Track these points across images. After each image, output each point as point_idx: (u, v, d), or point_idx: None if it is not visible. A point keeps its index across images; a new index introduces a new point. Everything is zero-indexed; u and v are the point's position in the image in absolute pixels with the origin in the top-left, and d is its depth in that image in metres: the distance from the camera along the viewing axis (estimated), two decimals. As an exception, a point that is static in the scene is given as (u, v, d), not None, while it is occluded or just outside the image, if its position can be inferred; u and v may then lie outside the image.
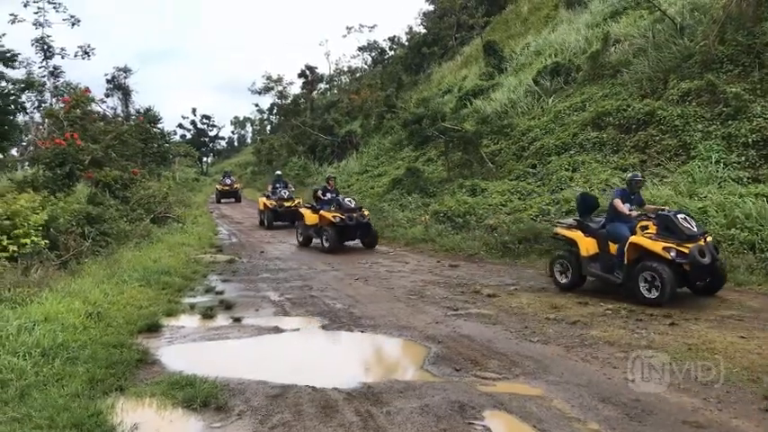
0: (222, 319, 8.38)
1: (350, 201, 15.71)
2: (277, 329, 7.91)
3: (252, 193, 36.95)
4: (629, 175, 9.95)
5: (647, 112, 15.67)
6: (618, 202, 9.16)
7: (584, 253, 9.44)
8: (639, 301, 8.33)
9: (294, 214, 20.30)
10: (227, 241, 18.04)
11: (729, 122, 13.90)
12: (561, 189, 15.28)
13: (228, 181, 36.16)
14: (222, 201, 34.99)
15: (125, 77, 40.10)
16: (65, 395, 5.05)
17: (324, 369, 6.40)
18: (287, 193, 22.03)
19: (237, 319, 8.29)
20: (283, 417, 4.89)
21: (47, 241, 10.77)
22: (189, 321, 8.31)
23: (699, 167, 13.28)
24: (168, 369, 6.13)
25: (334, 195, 16.14)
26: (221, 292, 10.08)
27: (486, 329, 7.54)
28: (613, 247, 9.06)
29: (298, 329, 8.06)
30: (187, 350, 6.98)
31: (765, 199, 11.16)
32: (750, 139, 13.21)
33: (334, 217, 15.01)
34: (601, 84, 19.12)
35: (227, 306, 9.05)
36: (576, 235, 9.70)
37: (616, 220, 9.20)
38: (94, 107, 22.50)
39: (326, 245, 15.14)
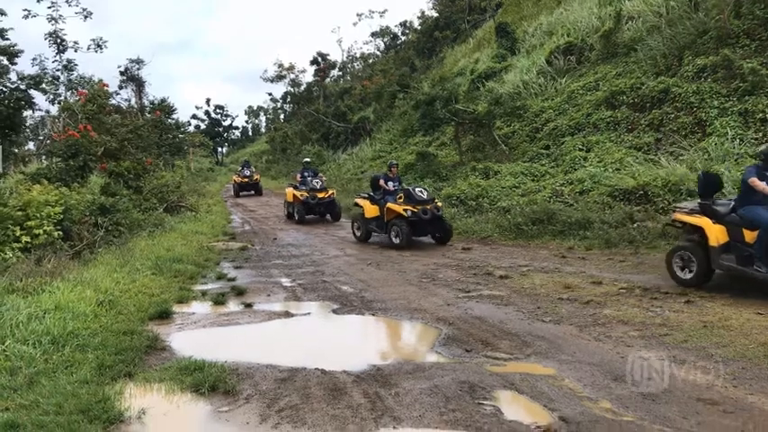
0: (233, 305, 8.36)
1: (421, 191, 13.73)
2: (288, 314, 7.89)
3: (266, 182, 36.76)
4: (764, 147, 8.33)
5: (662, 90, 15.45)
6: (755, 181, 7.41)
7: (713, 243, 7.81)
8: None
9: (328, 206, 19.32)
10: (239, 229, 18.03)
11: (746, 98, 13.67)
12: (575, 169, 15.11)
13: (247, 172, 32.15)
14: (241, 194, 31.45)
15: (138, 69, 40.05)
16: (73, 382, 5.06)
17: (333, 352, 6.35)
18: (319, 183, 19.53)
19: (248, 305, 8.27)
20: (291, 400, 4.85)
21: (60, 232, 10.83)
22: (200, 308, 8.30)
23: (715, 144, 13.07)
24: (178, 355, 6.11)
25: (398, 184, 14.41)
26: (233, 279, 10.07)
27: (497, 310, 7.46)
28: (750, 235, 7.50)
29: (308, 314, 8.03)
30: (197, 336, 6.96)
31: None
32: (767, 115, 12.96)
33: (405, 210, 13.14)
34: (614, 62, 18.87)
35: (239, 292, 9.03)
36: (703, 221, 7.98)
37: (751, 202, 7.57)
38: (110, 100, 22.68)
39: (396, 241, 13.27)
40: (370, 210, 14.29)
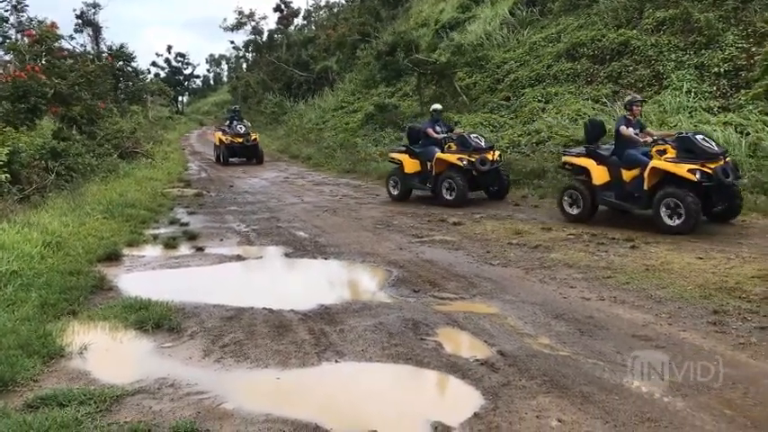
0: (185, 249, 8.30)
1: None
2: (239, 258, 7.86)
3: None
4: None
5: (622, 42, 15.50)
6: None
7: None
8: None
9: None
10: (196, 176, 17.81)
11: (702, 52, 13.80)
12: (533, 121, 15.18)
13: (241, 128, 21.58)
14: (232, 160, 21.59)
15: (94, 13, 38.68)
16: (14, 319, 4.97)
17: (283, 294, 6.37)
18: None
19: (200, 249, 8.22)
20: (235, 336, 4.87)
21: (8, 175, 10.53)
22: (150, 251, 8.22)
23: (670, 97, 13.22)
24: (124, 294, 6.05)
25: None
26: (186, 224, 9.98)
27: (448, 254, 7.55)
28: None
29: (260, 258, 8.02)
30: (145, 277, 6.91)
31: (733, 127, 11.17)
32: (722, 69, 13.13)
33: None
34: (576, 14, 18.80)
35: (191, 237, 8.95)
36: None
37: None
38: (63, 44, 21.89)
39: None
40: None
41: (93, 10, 37.78)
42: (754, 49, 12.83)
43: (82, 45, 34.29)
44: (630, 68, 14.95)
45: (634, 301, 5.49)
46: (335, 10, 56.30)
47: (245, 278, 7.29)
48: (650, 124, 12.42)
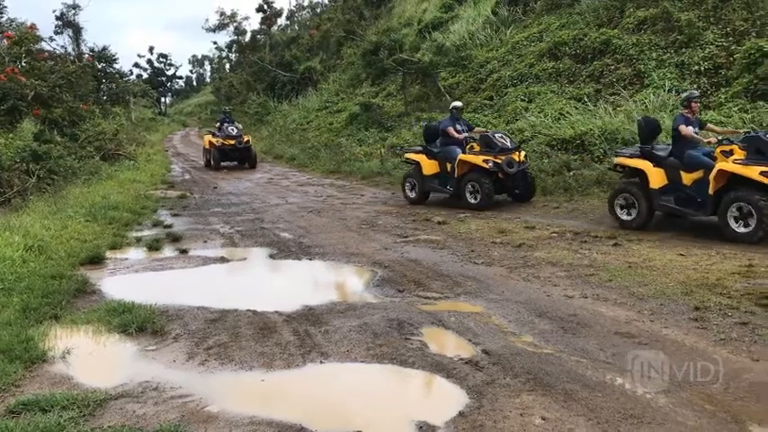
0: (168, 251, 8.26)
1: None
2: (223, 260, 7.83)
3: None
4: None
5: (603, 42, 15.61)
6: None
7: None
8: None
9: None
10: (179, 178, 17.71)
11: (683, 50, 13.93)
12: (516, 120, 15.25)
13: (233, 130, 20.06)
14: (224, 164, 20.02)
15: (75, 14, 38.28)
16: (-5, 324, 4.93)
17: (267, 295, 6.37)
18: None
19: (184, 251, 8.17)
20: (220, 338, 4.85)
21: (-14, 178, 10.44)
22: (134, 254, 8.17)
23: (652, 95, 13.34)
24: (107, 298, 6.01)
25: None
26: (169, 226, 9.93)
27: (432, 254, 7.57)
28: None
29: (245, 259, 8.00)
30: (129, 280, 6.86)
31: (714, 125, 11.27)
32: (702, 67, 13.26)
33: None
34: (558, 13, 18.91)
35: (175, 239, 8.92)
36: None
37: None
38: (44, 46, 21.68)
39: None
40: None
41: (73, 11, 37.41)
42: (733, 48, 12.98)
43: (62, 46, 33.89)
44: (612, 67, 15.06)
45: (617, 298, 5.53)
46: (318, 10, 56.20)
47: (230, 280, 7.26)
48: (632, 122, 12.57)
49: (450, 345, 4.71)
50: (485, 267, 6.82)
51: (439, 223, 9.47)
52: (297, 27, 57.09)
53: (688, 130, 7.97)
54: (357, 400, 3.95)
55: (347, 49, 32.41)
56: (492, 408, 3.55)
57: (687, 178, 8.00)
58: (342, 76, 31.51)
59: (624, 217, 8.42)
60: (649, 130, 8.79)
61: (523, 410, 3.51)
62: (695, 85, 12.61)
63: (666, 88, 13.28)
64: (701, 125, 8.37)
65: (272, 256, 7.93)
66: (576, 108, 14.47)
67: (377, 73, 22.27)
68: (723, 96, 12.31)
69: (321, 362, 4.37)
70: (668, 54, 14.17)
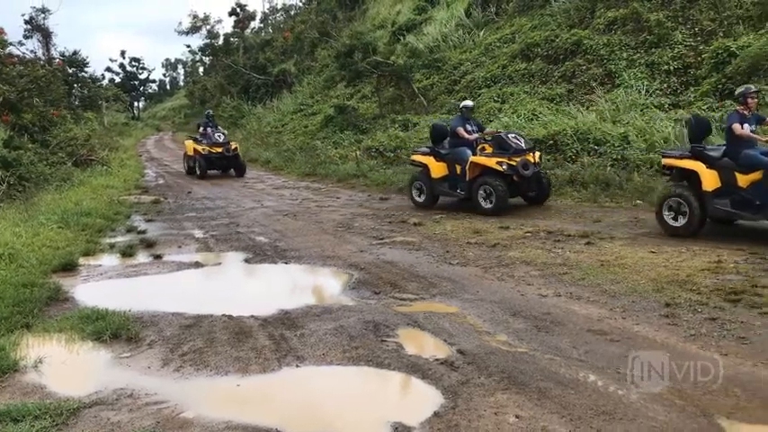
0: (142, 257, 8.18)
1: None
2: (198, 265, 7.78)
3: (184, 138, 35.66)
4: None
5: (575, 42, 15.81)
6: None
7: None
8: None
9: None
10: (153, 183, 17.55)
11: (652, 50, 14.17)
12: (490, 121, 15.34)
13: (219, 137, 18.77)
14: (210, 172, 18.83)
15: (44, 18, 37.76)
16: (-36, 335, 4.86)
17: (242, 300, 6.32)
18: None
19: (158, 257, 8.11)
20: (195, 344, 4.83)
21: (-46, 186, 10.26)
22: (107, 260, 8.07)
23: (623, 95, 13.53)
24: (81, 305, 5.95)
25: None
26: (143, 232, 9.81)
27: (408, 255, 7.60)
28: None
29: (219, 264, 7.95)
30: (102, 287, 6.79)
31: (683, 123, 11.47)
32: (672, 67, 13.51)
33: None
34: (530, 15, 19.12)
35: (149, 244, 8.83)
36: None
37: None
38: (12, 50, 21.30)
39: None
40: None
41: (42, 15, 36.91)
42: (701, 47, 13.22)
43: (32, 51, 33.35)
44: (583, 68, 15.25)
45: (589, 296, 5.61)
46: (292, 12, 56.04)
47: (205, 285, 7.22)
48: (603, 121, 12.75)
49: (425, 345, 4.73)
50: (460, 268, 6.86)
51: (415, 225, 9.51)
52: (270, 30, 56.91)
53: (742, 129, 7.39)
54: (333, 403, 3.96)
55: (321, 51, 32.36)
56: (467, 407, 3.59)
57: (743, 180, 7.39)
58: (316, 78, 31.45)
59: (673, 223, 7.80)
60: (700, 129, 8.18)
61: (498, 409, 3.55)
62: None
63: (636, 88, 13.48)
64: (760, 121, 7.68)
65: (247, 261, 7.90)
66: (549, 108, 14.62)
67: (351, 75, 22.24)
68: (693, 95, 12.53)
69: (297, 365, 4.38)
70: (638, 54, 14.40)
